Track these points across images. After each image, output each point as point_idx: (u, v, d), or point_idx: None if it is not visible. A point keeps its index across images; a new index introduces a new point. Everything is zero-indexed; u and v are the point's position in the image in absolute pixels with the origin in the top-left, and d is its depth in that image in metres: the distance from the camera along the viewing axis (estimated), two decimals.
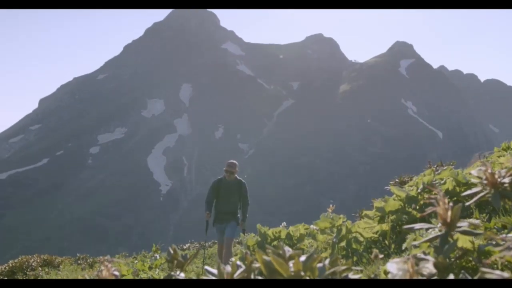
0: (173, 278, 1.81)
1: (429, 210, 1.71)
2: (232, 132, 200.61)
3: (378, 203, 4.94)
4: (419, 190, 4.79)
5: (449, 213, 1.61)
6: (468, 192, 1.90)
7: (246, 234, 9.92)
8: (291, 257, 1.50)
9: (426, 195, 4.68)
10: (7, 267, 13.24)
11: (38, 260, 13.79)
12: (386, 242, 4.38)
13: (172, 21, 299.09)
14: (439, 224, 1.69)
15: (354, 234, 4.68)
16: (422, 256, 1.49)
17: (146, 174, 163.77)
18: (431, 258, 1.46)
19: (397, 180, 7.89)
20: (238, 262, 1.61)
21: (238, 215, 10.02)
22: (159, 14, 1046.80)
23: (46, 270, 12.91)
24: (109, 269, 1.63)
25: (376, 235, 4.59)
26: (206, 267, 1.68)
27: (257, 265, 1.54)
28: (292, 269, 1.44)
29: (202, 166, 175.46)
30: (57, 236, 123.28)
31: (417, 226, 1.84)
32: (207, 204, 9.94)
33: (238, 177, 10.11)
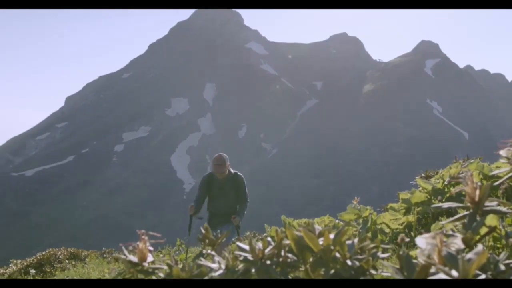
0: (205, 255, 1.82)
1: (457, 189, 1.71)
2: (255, 131, 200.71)
3: (404, 194, 4.95)
4: (445, 183, 4.79)
5: (477, 192, 1.58)
6: (496, 171, 1.90)
7: (239, 236, 8.31)
8: (320, 234, 1.52)
9: (452, 188, 4.67)
10: (35, 259, 13.54)
11: (65, 253, 14.06)
12: (412, 233, 4.39)
13: (196, 20, 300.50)
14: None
15: (379, 226, 4.70)
16: (451, 232, 1.48)
17: (170, 173, 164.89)
18: (459, 235, 1.45)
19: (423, 174, 7.86)
20: (269, 239, 1.62)
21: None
22: (184, 14, 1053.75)
23: (73, 263, 13.16)
24: (145, 241, 1.64)
25: (401, 227, 4.60)
26: (238, 243, 1.70)
27: (287, 242, 1.56)
28: (322, 244, 1.46)
29: None
30: (82, 233, 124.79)
31: (445, 205, 1.81)
32: (195, 205, 8.36)
33: (232, 171, 8.21)
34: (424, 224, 4.54)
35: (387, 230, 4.65)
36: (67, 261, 13.45)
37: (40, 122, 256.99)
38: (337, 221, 5.66)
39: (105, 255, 15.21)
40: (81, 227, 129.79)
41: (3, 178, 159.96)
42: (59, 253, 14.02)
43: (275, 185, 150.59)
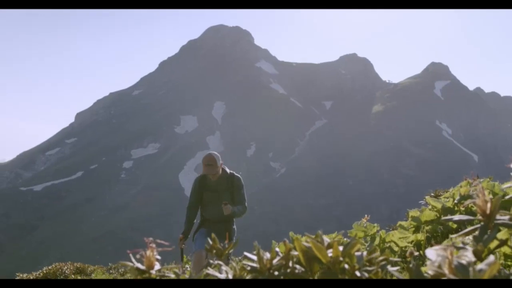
0: (212, 266, 1.77)
1: (468, 202, 1.68)
2: (264, 150, 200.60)
3: (413, 212, 4.91)
4: (455, 202, 4.75)
5: (489, 205, 1.55)
6: (508, 185, 1.87)
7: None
8: (329, 246, 1.52)
9: (462, 207, 4.64)
10: (41, 273, 13.51)
11: (71, 268, 14.02)
12: (421, 252, 4.35)
13: (207, 39, 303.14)
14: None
15: (388, 244, 4.66)
16: (461, 245, 1.44)
17: (178, 190, 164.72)
18: (470, 247, 1.41)
19: (432, 194, 7.81)
20: (277, 249, 1.61)
21: (234, 226, 7.09)
22: (195, 33, 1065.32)
23: (79, 277, 13.11)
24: (153, 249, 1.63)
25: (411, 245, 4.56)
26: (246, 252, 1.70)
27: (295, 253, 1.54)
28: (331, 256, 1.45)
29: None
30: (89, 248, 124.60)
31: (455, 217, 1.78)
32: (188, 213, 7.16)
33: (228, 171, 7.24)
34: (433, 242, 4.50)
35: (396, 249, 4.61)
36: (73, 276, 13.41)
37: (50, 137, 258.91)
38: (345, 239, 5.62)
39: (111, 271, 15.14)
40: (88, 242, 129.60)
41: (12, 192, 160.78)
42: (65, 268, 13.98)
43: (283, 204, 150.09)
